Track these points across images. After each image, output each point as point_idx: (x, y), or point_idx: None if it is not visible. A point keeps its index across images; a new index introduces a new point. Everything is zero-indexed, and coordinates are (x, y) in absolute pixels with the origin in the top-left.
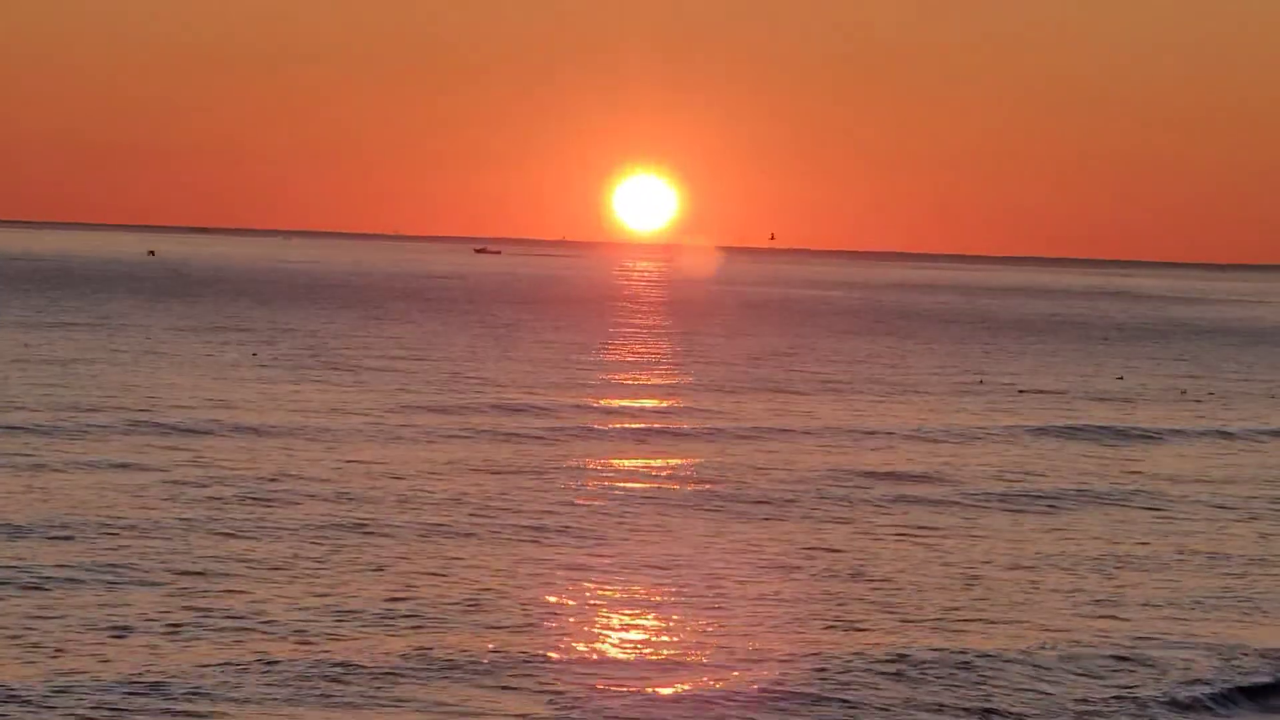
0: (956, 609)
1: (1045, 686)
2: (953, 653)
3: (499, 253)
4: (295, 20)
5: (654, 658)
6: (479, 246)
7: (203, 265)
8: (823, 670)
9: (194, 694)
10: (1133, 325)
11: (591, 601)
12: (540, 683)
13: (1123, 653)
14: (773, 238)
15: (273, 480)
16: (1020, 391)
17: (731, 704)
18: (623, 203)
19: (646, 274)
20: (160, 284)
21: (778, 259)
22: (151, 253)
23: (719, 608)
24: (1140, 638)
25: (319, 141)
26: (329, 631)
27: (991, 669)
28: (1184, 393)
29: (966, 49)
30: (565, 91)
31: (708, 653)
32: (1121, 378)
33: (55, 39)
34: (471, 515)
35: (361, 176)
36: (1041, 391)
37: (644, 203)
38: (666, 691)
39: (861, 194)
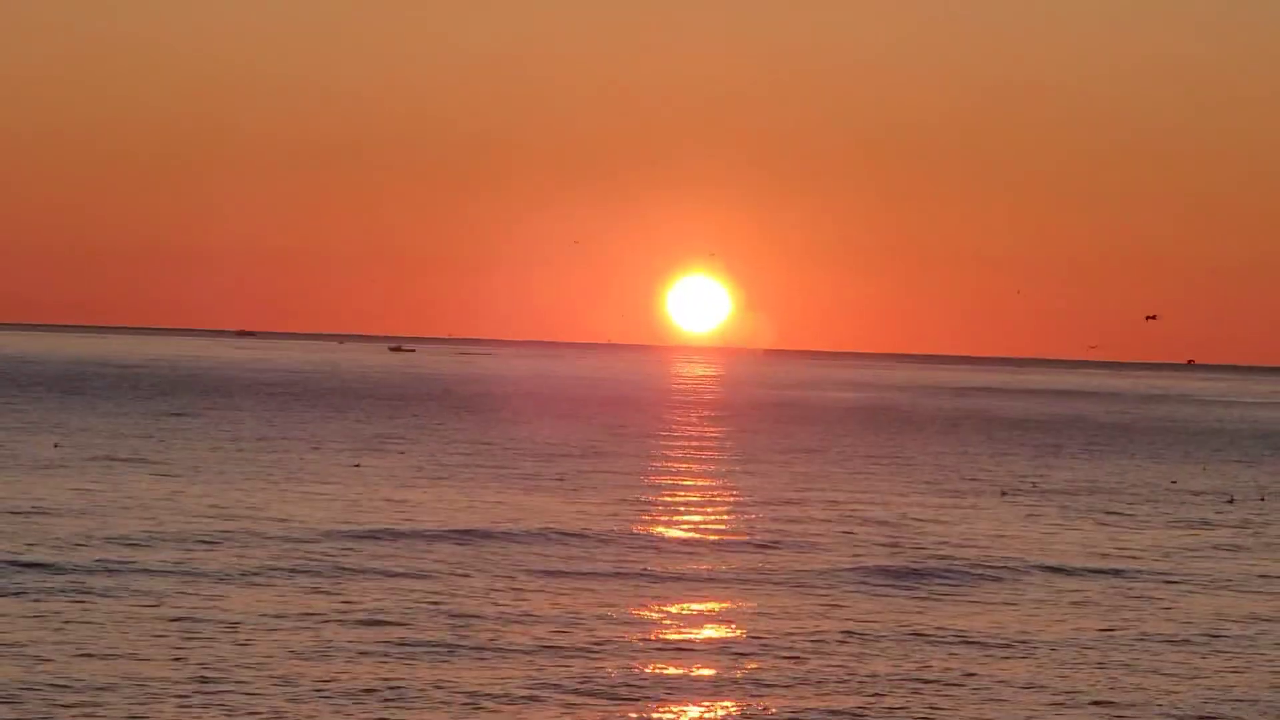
0: None
1: None
2: None
3: (413, 350)
4: (338, 118)
5: None
6: (394, 345)
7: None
8: None
9: None
10: None
11: None
12: None
13: None
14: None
15: None
16: None
17: None
18: (676, 304)
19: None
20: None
21: (855, 363)
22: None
23: None
24: None
25: (359, 244)
26: None
27: None
28: None
29: (1029, 149)
30: (616, 193)
31: None
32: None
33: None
34: None
35: (411, 279)
36: None
37: (697, 304)
38: None
39: (918, 295)
